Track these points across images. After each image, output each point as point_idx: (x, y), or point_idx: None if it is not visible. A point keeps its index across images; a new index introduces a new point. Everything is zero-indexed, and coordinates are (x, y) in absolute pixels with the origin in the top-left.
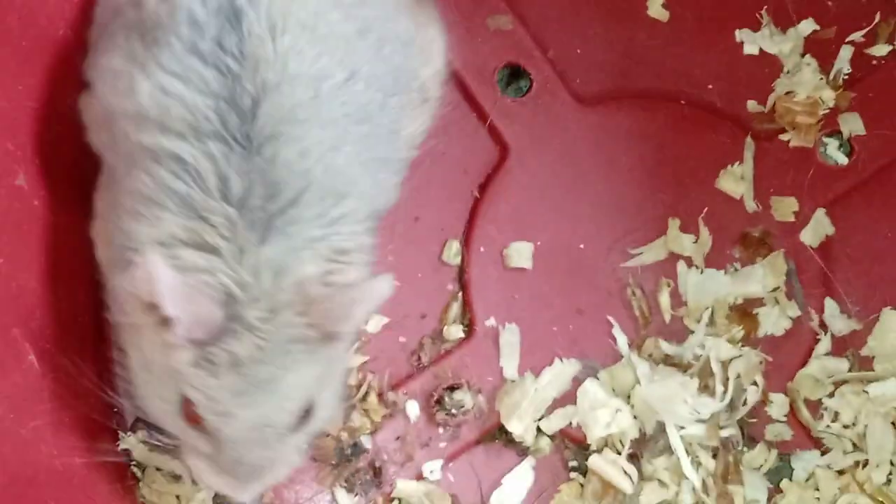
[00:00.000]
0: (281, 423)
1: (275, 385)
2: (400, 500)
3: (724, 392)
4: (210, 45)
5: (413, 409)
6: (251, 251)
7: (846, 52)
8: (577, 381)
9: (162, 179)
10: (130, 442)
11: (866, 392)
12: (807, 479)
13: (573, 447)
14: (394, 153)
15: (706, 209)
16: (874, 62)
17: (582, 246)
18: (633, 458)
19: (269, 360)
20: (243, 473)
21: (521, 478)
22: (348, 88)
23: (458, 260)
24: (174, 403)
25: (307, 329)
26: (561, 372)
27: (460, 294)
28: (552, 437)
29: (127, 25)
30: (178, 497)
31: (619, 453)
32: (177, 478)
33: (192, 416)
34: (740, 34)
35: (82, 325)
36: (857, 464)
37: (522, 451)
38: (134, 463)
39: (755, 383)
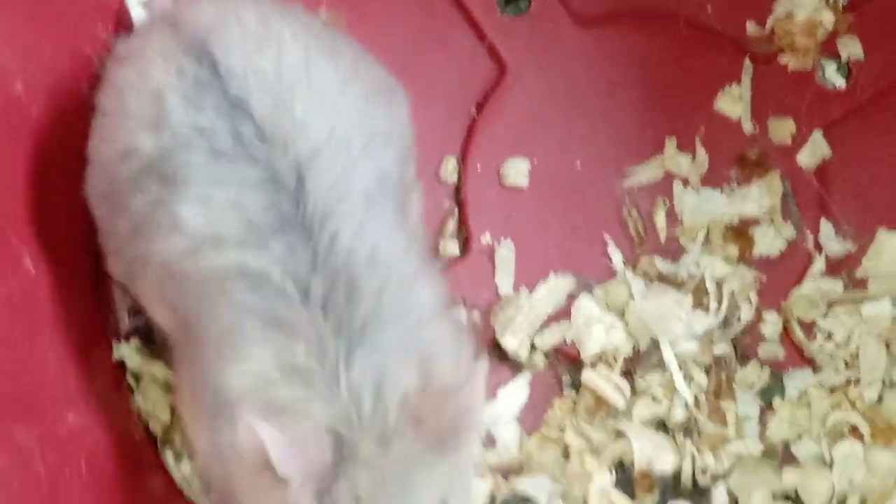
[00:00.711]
0: None
1: None
2: None
3: (718, 309)
4: (229, 142)
5: None
6: (343, 370)
7: None
8: (572, 298)
9: (237, 302)
10: (125, 351)
11: (860, 312)
12: (799, 398)
13: (567, 363)
14: (418, 236)
15: (703, 130)
16: None
17: (578, 165)
18: (627, 374)
19: (392, 491)
20: None
21: (516, 392)
22: (375, 156)
23: (454, 177)
24: None
25: (425, 451)
26: (556, 287)
27: (456, 211)
28: (546, 354)
29: (131, 183)
30: (171, 406)
31: (613, 369)
32: (171, 387)
33: None
34: None
35: (78, 234)
36: (849, 382)
37: (516, 368)
38: (129, 372)
39: (749, 301)
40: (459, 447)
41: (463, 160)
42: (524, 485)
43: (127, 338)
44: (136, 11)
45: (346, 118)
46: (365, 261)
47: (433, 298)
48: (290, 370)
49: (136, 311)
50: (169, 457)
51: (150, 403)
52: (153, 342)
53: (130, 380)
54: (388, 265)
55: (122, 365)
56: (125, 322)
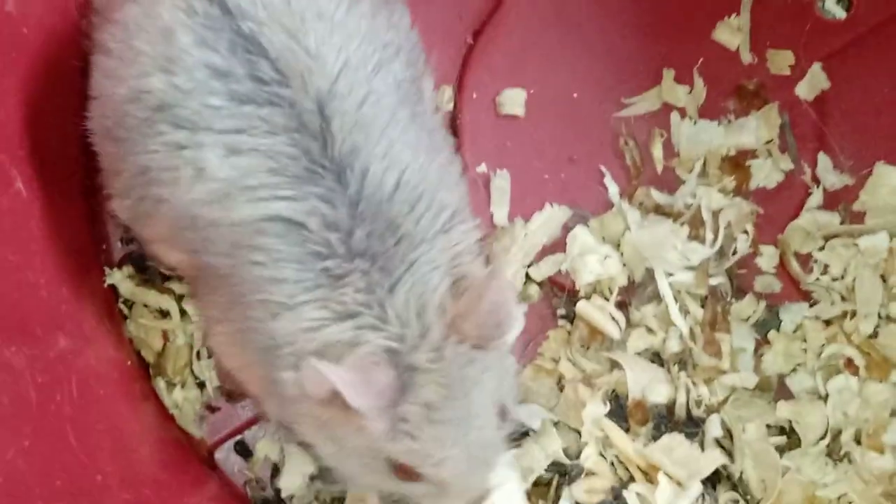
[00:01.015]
0: (487, 440)
1: (468, 413)
2: None
3: (714, 240)
4: (249, 85)
5: None
6: (388, 301)
7: None
8: (567, 230)
9: (278, 252)
10: (116, 277)
11: (856, 245)
12: (794, 331)
13: (562, 295)
14: (436, 124)
15: (701, 60)
16: None
17: (575, 95)
18: (622, 305)
19: (455, 394)
20: (473, 493)
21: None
22: (389, 68)
23: (450, 106)
24: (384, 472)
25: (473, 349)
26: (551, 217)
27: (453, 141)
28: (541, 284)
29: (141, 125)
30: (164, 332)
31: (608, 300)
32: (164, 313)
33: (407, 473)
34: None
35: (70, 158)
36: (844, 315)
37: None
38: (121, 300)
39: (746, 233)
40: (500, 340)
41: (459, 89)
42: (518, 414)
43: (119, 265)
44: None
45: (356, 40)
46: (397, 191)
47: (455, 195)
48: (340, 312)
49: (130, 238)
50: (160, 384)
51: (142, 331)
52: (145, 270)
53: (122, 307)
54: (416, 186)
55: (114, 291)
56: (118, 249)
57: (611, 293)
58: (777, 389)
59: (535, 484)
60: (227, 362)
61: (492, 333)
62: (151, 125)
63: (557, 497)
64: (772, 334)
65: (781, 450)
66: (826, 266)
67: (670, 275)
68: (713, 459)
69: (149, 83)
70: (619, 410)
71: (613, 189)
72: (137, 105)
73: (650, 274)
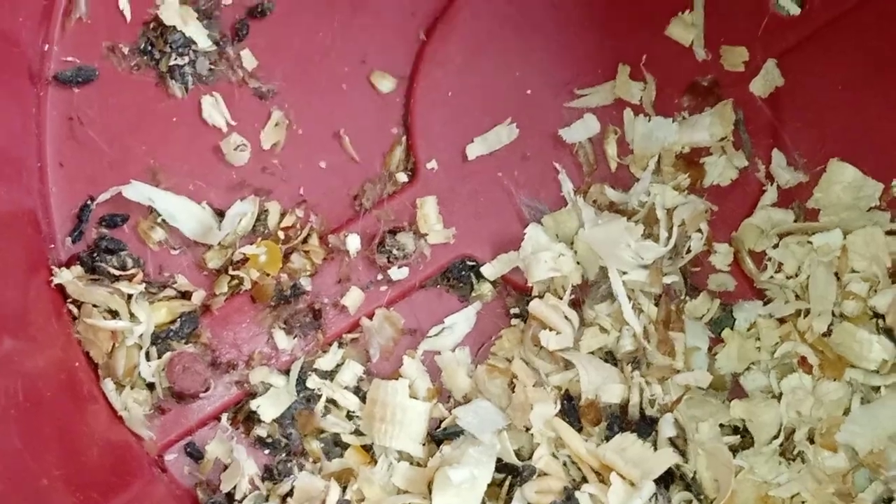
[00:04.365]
0: None
1: None
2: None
3: (668, 238)
4: None
5: (354, 250)
6: None
7: None
8: (521, 226)
9: None
10: (65, 277)
11: (810, 242)
12: (748, 329)
13: (515, 293)
14: None
15: (655, 56)
16: None
17: (529, 91)
18: (575, 304)
19: None
20: None
21: (463, 320)
22: None
23: (403, 103)
24: None
25: None
26: None
27: (404, 138)
28: (494, 283)
29: None
30: (113, 333)
31: (561, 298)
32: (113, 314)
33: None
34: None
35: (16, 159)
36: (798, 313)
37: (464, 297)
38: (70, 300)
39: (700, 231)
40: None
41: (411, 84)
42: (467, 412)
43: (68, 264)
44: None
45: None
46: None
47: None
48: None
49: (78, 237)
50: (109, 385)
51: (91, 331)
52: (94, 270)
53: (72, 306)
54: None
55: (62, 291)
56: (66, 248)
57: (564, 291)
58: (731, 388)
59: (488, 484)
60: None
61: None
62: None
63: (509, 498)
64: (726, 333)
65: (735, 449)
66: (780, 264)
67: (624, 273)
68: (666, 459)
69: None
70: (572, 410)
71: (567, 186)
72: None
73: (604, 273)
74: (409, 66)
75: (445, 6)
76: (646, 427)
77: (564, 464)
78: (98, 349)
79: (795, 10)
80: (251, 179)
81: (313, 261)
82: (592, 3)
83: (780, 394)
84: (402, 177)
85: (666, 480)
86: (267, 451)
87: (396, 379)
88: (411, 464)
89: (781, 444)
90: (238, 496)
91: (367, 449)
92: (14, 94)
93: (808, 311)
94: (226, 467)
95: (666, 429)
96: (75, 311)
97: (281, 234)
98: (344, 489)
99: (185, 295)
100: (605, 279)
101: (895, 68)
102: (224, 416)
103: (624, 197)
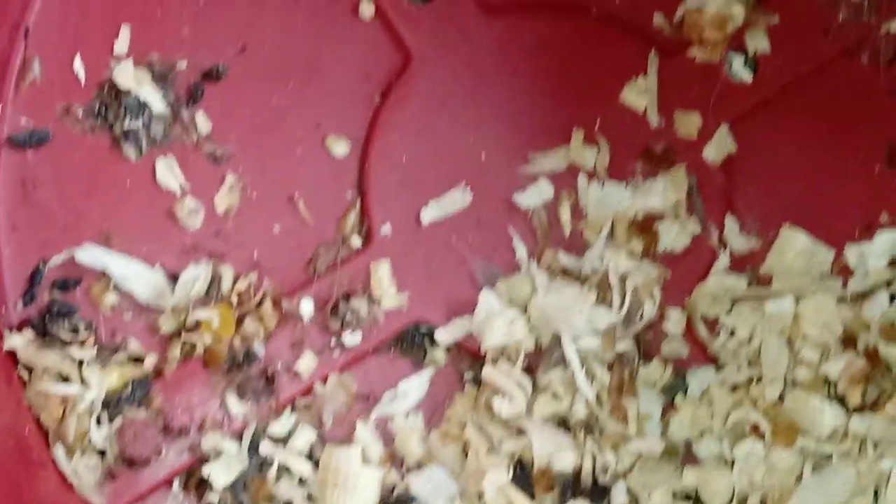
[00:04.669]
0: None
1: None
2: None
3: (622, 305)
4: None
5: (308, 315)
6: None
7: None
8: (475, 291)
9: None
10: (16, 342)
11: (763, 309)
12: (701, 396)
13: (469, 359)
14: None
15: (609, 122)
16: None
17: (483, 156)
18: (528, 370)
19: None
20: None
21: (416, 386)
22: None
23: (357, 166)
24: None
25: None
26: None
27: (358, 202)
28: (448, 349)
29: None
30: (64, 398)
31: (514, 365)
32: (65, 378)
33: None
34: None
35: None
36: (751, 380)
37: (417, 363)
38: (21, 364)
39: (653, 297)
40: None
41: (366, 148)
42: (420, 479)
43: (19, 328)
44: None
45: None
46: None
47: None
48: None
49: (30, 301)
50: (60, 451)
51: (42, 396)
52: (46, 334)
53: (22, 371)
54: None
55: (13, 356)
56: (17, 311)
57: (517, 357)
58: (684, 455)
59: None
60: None
61: None
62: None
63: None
64: (679, 399)
65: None
66: (733, 330)
67: (577, 340)
68: None
69: None
70: (525, 477)
71: (521, 251)
72: None
73: (557, 339)
74: (363, 129)
75: (400, 70)
76: (598, 495)
77: None
78: (49, 414)
79: (748, 77)
80: (205, 243)
81: (266, 325)
82: (547, 69)
83: (733, 461)
84: (357, 241)
85: None
86: None
87: (349, 445)
88: None
89: None
90: None
91: None
92: None
93: (760, 378)
94: None
95: (618, 496)
96: (26, 375)
97: (234, 299)
98: None
99: (138, 359)
100: (558, 345)
101: (847, 134)
102: (176, 482)
103: (577, 263)
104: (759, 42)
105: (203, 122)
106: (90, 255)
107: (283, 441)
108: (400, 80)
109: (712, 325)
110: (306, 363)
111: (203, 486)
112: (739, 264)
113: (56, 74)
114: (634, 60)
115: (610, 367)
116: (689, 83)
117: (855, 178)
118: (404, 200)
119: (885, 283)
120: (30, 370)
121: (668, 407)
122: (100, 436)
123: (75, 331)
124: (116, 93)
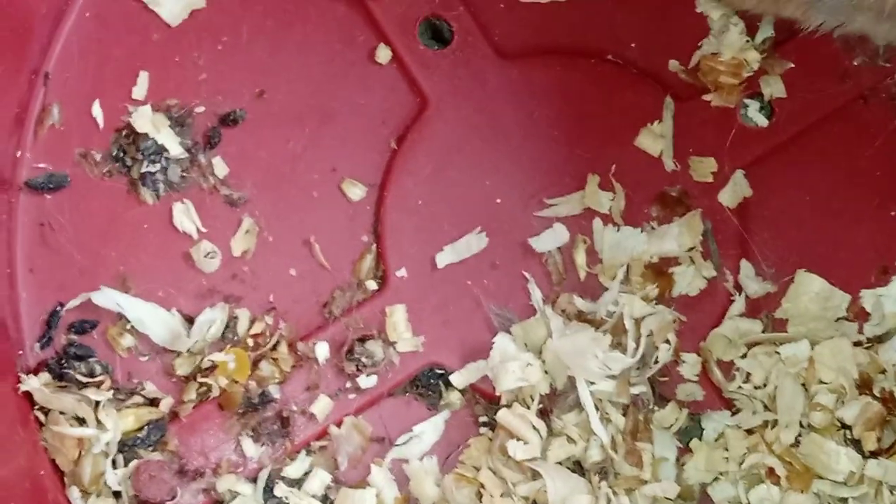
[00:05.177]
0: None
1: None
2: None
3: (636, 349)
4: None
5: (323, 358)
6: None
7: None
8: (490, 334)
9: None
10: (32, 384)
11: (778, 353)
12: (716, 439)
13: (484, 402)
14: None
15: (624, 167)
16: (797, 27)
17: (498, 200)
18: (543, 413)
19: None
20: None
21: (431, 429)
22: None
23: (373, 210)
24: None
25: None
26: None
27: (374, 246)
28: (463, 392)
29: None
30: (80, 441)
31: (529, 408)
32: (80, 420)
33: None
34: None
35: None
36: (766, 424)
37: (432, 406)
38: (37, 407)
39: (668, 342)
40: None
41: (381, 193)
42: None
43: (35, 371)
44: None
45: None
46: None
47: None
48: None
49: (47, 343)
50: (75, 493)
51: (58, 439)
52: (62, 377)
53: (38, 413)
54: None
55: (29, 398)
56: (34, 355)
57: (532, 401)
58: (699, 499)
59: None
60: None
61: None
62: None
63: None
64: (694, 443)
65: None
66: (748, 374)
67: (592, 383)
68: None
69: None
70: None
71: (536, 295)
72: None
73: (572, 382)
74: (379, 174)
75: (416, 115)
76: None
77: None
78: (64, 457)
79: (763, 122)
80: (221, 286)
81: (282, 368)
82: (562, 114)
83: None
84: (372, 284)
85: None
86: None
87: (364, 488)
88: None
89: None
90: None
91: None
92: None
93: (775, 422)
94: None
95: None
96: (42, 417)
97: (250, 342)
98: None
99: (153, 402)
100: (573, 389)
101: (862, 179)
102: None
103: (592, 306)
104: (774, 87)
105: (220, 167)
106: (107, 297)
107: (298, 484)
108: (416, 125)
109: (727, 368)
110: (321, 406)
111: None
112: (754, 308)
113: (74, 119)
114: (650, 105)
115: (625, 411)
116: (704, 128)
117: (870, 223)
118: (420, 244)
119: None
120: (46, 412)
121: (684, 451)
122: (115, 478)
123: (91, 373)
124: (134, 137)
